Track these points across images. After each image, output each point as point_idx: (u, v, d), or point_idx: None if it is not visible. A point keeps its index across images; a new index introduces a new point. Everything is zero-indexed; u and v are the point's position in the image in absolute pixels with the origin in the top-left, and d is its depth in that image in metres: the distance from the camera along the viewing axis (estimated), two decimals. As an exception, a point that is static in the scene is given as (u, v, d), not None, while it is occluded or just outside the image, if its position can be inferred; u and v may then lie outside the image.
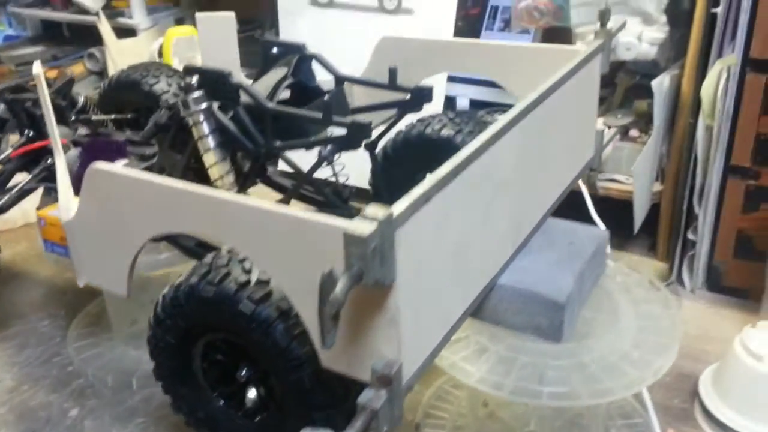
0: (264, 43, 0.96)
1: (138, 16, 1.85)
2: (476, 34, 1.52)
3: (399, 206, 0.52)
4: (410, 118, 1.02)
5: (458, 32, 1.35)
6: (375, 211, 0.49)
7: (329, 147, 0.77)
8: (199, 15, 1.08)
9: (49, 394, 0.98)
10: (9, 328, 1.12)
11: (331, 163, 0.80)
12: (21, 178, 1.10)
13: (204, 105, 0.81)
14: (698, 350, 1.01)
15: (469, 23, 1.49)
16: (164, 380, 0.75)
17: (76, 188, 0.94)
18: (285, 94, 0.89)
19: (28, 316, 1.15)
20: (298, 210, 0.56)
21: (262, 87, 0.85)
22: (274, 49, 0.95)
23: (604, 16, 0.91)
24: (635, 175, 1.14)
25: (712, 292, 1.14)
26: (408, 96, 0.93)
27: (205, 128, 0.81)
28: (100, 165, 0.66)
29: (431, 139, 0.99)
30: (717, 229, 1.10)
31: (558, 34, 1.33)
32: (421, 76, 1.08)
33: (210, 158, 0.82)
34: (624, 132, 1.28)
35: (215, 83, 0.82)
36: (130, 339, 1.05)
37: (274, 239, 0.56)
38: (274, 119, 0.81)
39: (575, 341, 0.70)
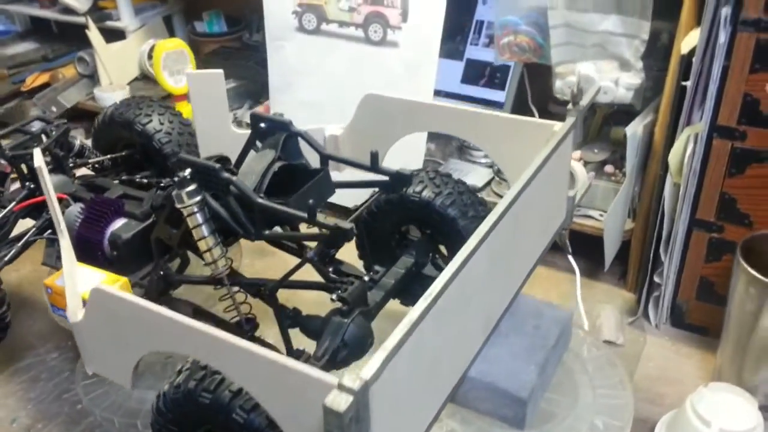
0: (253, 116, 1.00)
1: (126, 18, 1.85)
2: (460, 51, 1.55)
3: (373, 365, 0.59)
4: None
5: (441, 47, 1.37)
6: (351, 382, 0.56)
7: (313, 250, 0.83)
8: (189, 73, 1.12)
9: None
10: (21, 360, 1.20)
11: (314, 262, 0.85)
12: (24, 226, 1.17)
13: (198, 198, 0.86)
14: (657, 394, 1.09)
15: (452, 37, 1.52)
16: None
17: (77, 249, 1.01)
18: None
19: (38, 348, 1.23)
20: (282, 356, 0.62)
21: (251, 172, 0.90)
22: (262, 124, 0.99)
23: (576, 97, 0.95)
24: (607, 220, 1.20)
25: (676, 327, 1.22)
26: (387, 178, 0.98)
27: (199, 218, 0.87)
28: (104, 287, 0.72)
29: (411, 200, 1.04)
30: (681, 273, 1.17)
31: (538, 67, 1.36)
32: (401, 133, 1.13)
33: (203, 245, 0.88)
34: (599, 166, 1.33)
35: (207, 176, 0.87)
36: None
37: (261, 376, 0.63)
38: (262, 211, 0.87)
39: (537, 427, 0.79)
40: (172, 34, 1.98)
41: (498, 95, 1.55)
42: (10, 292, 1.14)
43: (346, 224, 0.81)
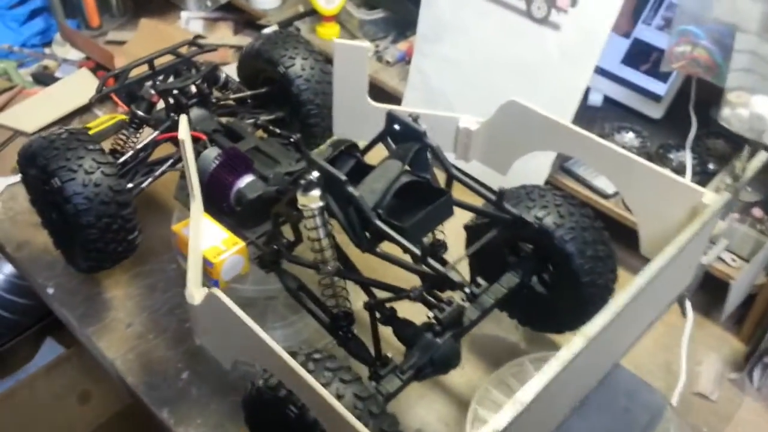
0: (389, 116, 0.98)
1: None
2: (630, 25, 1.42)
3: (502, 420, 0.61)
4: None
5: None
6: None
7: (416, 289, 0.84)
8: (336, 42, 1.09)
9: (168, 349, 1.18)
10: (144, 264, 1.31)
11: (418, 299, 0.86)
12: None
13: (320, 204, 0.87)
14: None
15: (624, 9, 1.38)
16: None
17: (205, 191, 1.07)
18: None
19: (161, 255, 1.33)
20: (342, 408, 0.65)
21: (374, 190, 0.90)
22: (396, 126, 0.97)
23: (734, 170, 0.86)
24: (743, 273, 1.12)
25: (777, 397, 1.16)
26: (508, 217, 0.94)
27: (318, 222, 0.89)
28: (218, 294, 0.77)
29: (530, 224, 1.01)
30: (800, 351, 1.09)
31: (702, 83, 1.23)
32: (536, 148, 1.07)
33: (316, 245, 0.91)
34: (747, 206, 1.22)
35: (332, 183, 0.88)
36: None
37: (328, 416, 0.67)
38: (377, 231, 0.87)
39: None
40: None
41: (658, 87, 1.43)
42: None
43: (456, 276, 0.81)
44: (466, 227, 1.06)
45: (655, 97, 1.44)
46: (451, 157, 1.06)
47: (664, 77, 1.41)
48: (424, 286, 0.84)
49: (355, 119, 1.17)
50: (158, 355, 1.17)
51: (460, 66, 1.40)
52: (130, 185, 1.12)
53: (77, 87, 1.57)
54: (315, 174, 0.87)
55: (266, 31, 1.65)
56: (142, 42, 1.76)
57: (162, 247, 1.34)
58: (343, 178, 0.86)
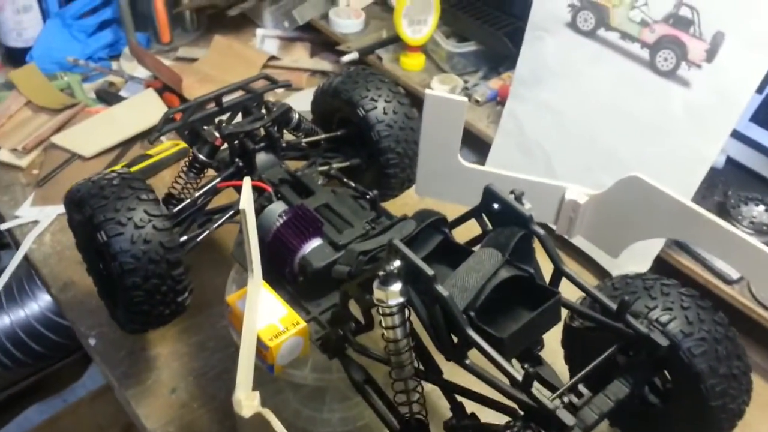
0: (488, 191, 0.82)
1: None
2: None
3: None
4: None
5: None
6: None
7: (513, 427, 0.68)
8: (429, 93, 0.94)
9: (213, 422, 1.06)
10: (195, 316, 1.18)
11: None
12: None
13: (400, 301, 0.72)
14: None
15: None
16: None
17: (267, 252, 0.93)
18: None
19: (212, 307, 1.20)
20: None
21: (467, 286, 0.74)
22: (495, 205, 0.81)
23: None
24: None
25: None
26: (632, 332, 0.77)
27: (396, 320, 0.74)
28: (268, 416, 0.63)
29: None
30: None
31: None
32: (656, 234, 0.90)
33: (392, 346, 0.76)
34: None
35: (416, 276, 0.72)
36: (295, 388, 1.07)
37: None
38: (466, 340, 0.71)
39: None
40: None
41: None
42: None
43: (569, 418, 0.64)
44: (567, 327, 0.89)
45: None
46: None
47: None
48: (524, 422, 0.68)
49: (442, 179, 1.02)
50: (202, 429, 1.05)
51: (563, 116, 1.23)
52: (183, 238, 0.99)
53: (141, 109, 1.47)
54: (396, 263, 0.72)
55: (346, 58, 1.52)
56: (214, 60, 1.65)
57: (215, 299, 1.21)
58: (431, 272, 0.70)
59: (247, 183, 0.81)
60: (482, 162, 1.37)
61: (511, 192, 0.82)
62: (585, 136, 1.21)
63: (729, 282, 1.11)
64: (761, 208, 1.19)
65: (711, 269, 1.12)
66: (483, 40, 1.47)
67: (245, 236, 0.80)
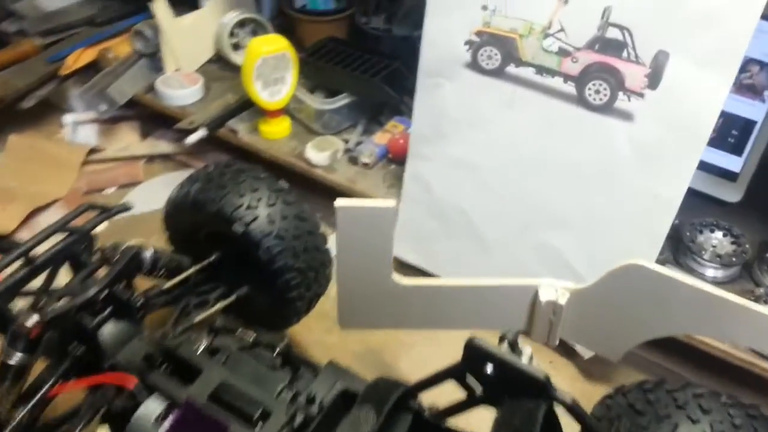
0: (472, 347, 0.56)
1: (201, -20, 1.37)
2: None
3: None
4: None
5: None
6: None
7: None
8: (340, 206, 0.67)
9: None
10: None
11: None
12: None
13: None
14: None
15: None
16: None
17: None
18: None
19: None
20: None
21: None
22: (489, 368, 0.56)
23: None
24: None
25: None
26: None
27: None
28: None
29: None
30: None
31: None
32: (664, 328, 0.69)
33: None
34: None
35: None
36: None
37: None
38: None
39: None
40: (257, 2, 1.49)
41: (732, 162, 1.09)
42: None
43: None
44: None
45: (730, 176, 1.09)
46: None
47: (737, 149, 1.08)
48: None
49: (372, 303, 0.75)
50: None
51: (481, 171, 1.01)
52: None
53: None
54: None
55: (192, 138, 1.22)
56: (12, 168, 1.28)
57: None
58: None
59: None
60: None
61: (502, 338, 0.58)
62: (513, 191, 0.99)
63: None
64: (719, 234, 1.04)
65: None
66: (356, 90, 1.22)
67: None
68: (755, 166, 1.08)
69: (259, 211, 0.84)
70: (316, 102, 1.22)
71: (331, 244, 0.97)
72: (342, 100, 1.22)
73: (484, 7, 0.91)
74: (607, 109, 0.89)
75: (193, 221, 0.88)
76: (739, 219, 1.07)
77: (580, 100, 0.90)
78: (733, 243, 1.03)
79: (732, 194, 1.10)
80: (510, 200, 1.00)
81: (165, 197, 0.92)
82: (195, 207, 0.85)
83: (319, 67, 1.24)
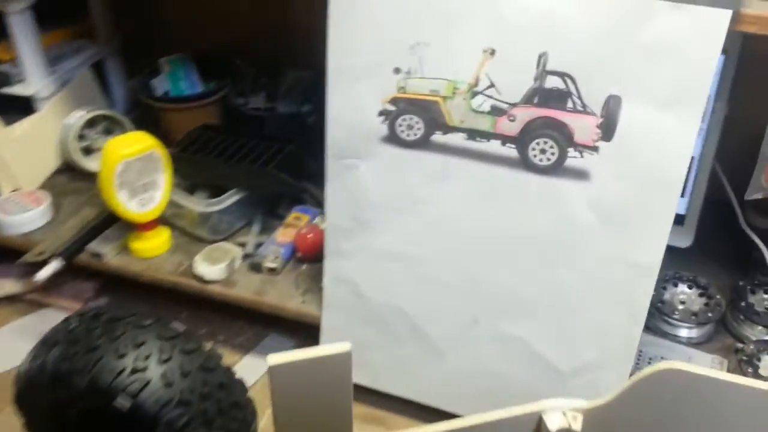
0: None
1: (34, 79, 1.13)
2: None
3: None
4: None
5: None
6: None
7: None
8: (272, 363, 0.47)
9: None
10: None
11: None
12: None
13: None
14: None
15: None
16: None
17: None
18: None
19: None
20: None
21: None
22: None
23: None
24: None
25: None
26: None
27: None
28: None
29: None
30: None
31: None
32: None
33: None
34: None
35: None
36: None
37: None
38: None
39: None
40: (107, 94, 1.27)
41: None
42: None
43: None
44: None
45: (677, 219, 0.99)
46: None
47: (677, 191, 0.98)
48: None
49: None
50: None
51: (417, 261, 0.84)
52: None
53: None
54: None
55: (44, 273, 0.97)
56: None
57: None
58: None
59: None
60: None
61: None
62: (459, 279, 0.83)
63: None
64: (684, 288, 0.93)
65: None
66: (245, 183, 1.03)
67: None
68: (700, 205, 0.99)
69: (150, 372, 0.61)
70: (199, 204, 1.01)
71: (246, 373, 0.76)
72: (230, 198, 1.02)
73: (397, 70, 0.76)
74: (556, 170, 0.75)
75: (56, 400, 0.64)
76: (696, 266, 0.97)
77: (525, 164, 0.76)
78: (701, 295, 0.92)
79: (682, 239, 1.00)
80: (457, 290, 0.84)
81: (18, 352, 0.68)
82: (57, 382, 0.62)
83: (197, 163, 1.04)
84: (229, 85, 1.18)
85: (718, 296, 0.90)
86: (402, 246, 0.84)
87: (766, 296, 0.90)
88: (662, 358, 0.86)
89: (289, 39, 1.16)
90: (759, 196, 0.76)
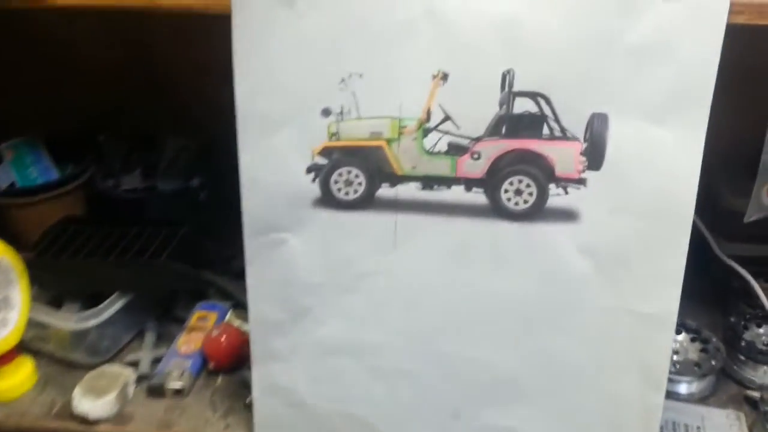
0: None
1: None
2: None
3: None
4: None
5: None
6: None
7: None
8: None
9: None
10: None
11: None
12: None
13: None
14: None
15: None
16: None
17: None
18: None
19: None
20: None
21: None
22: None
23: None
24: None
25: None
26: None
27: None
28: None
29: None
30: None
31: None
32: None
33: None
34: None
35: None
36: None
37: None
38: None
39: None
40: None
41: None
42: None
43: None
44: None
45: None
46: None
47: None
48: None
49: None
50: None
51: (373, 352, 0.66)
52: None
53: None
54: None
55: None
56: None
57: None
58: None
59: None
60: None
61: None
62: (429, 366, 0.66)
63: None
64: (684, 336, 0.80)
65: None
66: (128, 284, 0.81)
67: None
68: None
69: None
70: (70, 320, 0.78)
71: None
72: (111, 306, 0.79)
73: (326, 112, 0.59)
74: (537, 213, 0.61)
75: None
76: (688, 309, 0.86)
77: (497, 211, 0.61)
78: (694, 340, 0.80)
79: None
80: (427, 381, 0.66)
81: None
82: None
83: (61, 267, 0.80)
84: (94, 166, 0.96)
85: (714, 339, 0.78)
86: (350, 334, 0.66)
87: (761, 330, 0.80)
88: (674, 423, 0.72)
89: (166, 100, 0.96)
90: (760, 216, 0.66)
